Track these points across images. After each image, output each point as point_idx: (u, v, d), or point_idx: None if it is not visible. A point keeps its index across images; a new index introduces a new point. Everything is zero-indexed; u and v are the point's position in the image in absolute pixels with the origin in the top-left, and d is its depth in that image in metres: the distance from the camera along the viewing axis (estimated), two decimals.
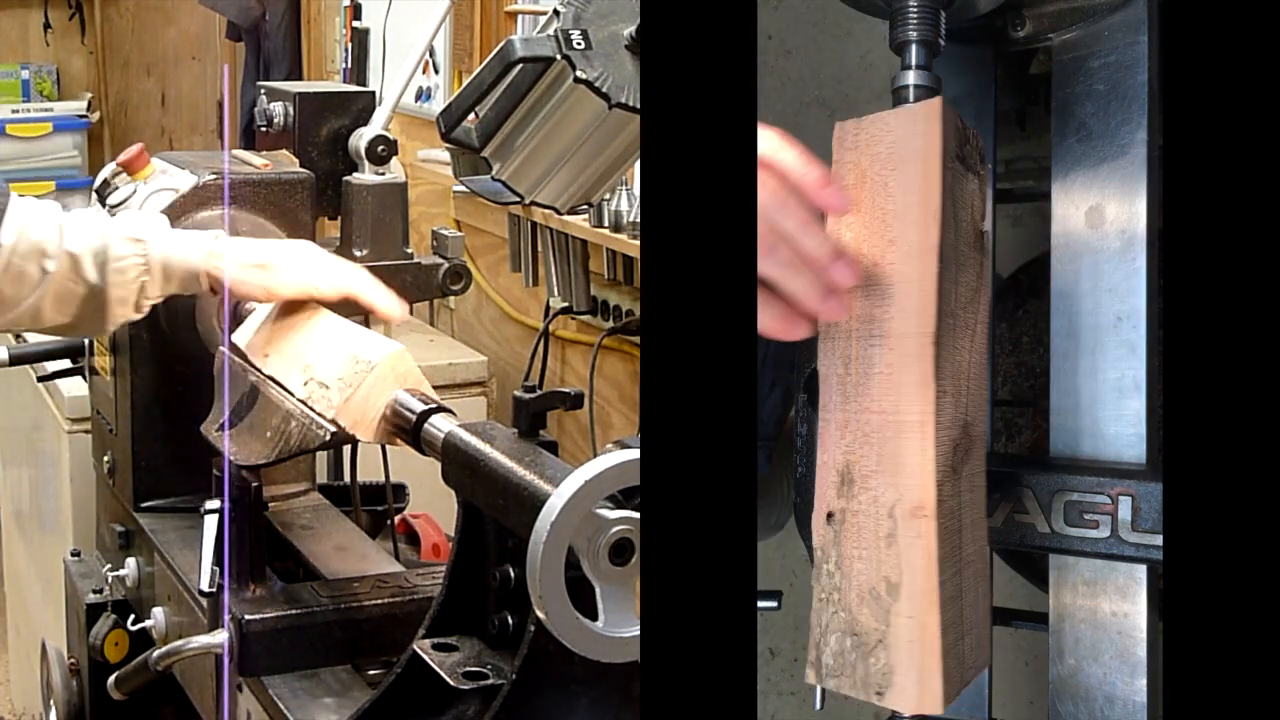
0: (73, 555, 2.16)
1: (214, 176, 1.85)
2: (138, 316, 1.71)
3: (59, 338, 2.15)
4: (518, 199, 1.56)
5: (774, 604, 1.53)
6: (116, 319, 1.69)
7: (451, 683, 1.33)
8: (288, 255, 1.68)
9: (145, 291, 1.67)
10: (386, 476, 1.97)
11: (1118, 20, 1.33)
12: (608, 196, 2.40)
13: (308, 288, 1.64)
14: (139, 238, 1.66)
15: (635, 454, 1.18)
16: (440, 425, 1.44)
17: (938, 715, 1.18)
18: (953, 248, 1.16)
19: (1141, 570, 1.30)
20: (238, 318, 1.73)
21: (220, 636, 1.56)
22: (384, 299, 1.67)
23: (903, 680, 1.15)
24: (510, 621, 1.36)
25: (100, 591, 1.98)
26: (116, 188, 1.91)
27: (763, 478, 1.59)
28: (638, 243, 2.40)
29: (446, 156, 2.55)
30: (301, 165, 1.97)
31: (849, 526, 1.16)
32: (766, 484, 1.62)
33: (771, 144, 1.07)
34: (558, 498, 1.20)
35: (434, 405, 1.47)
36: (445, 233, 2.05)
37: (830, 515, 1.17)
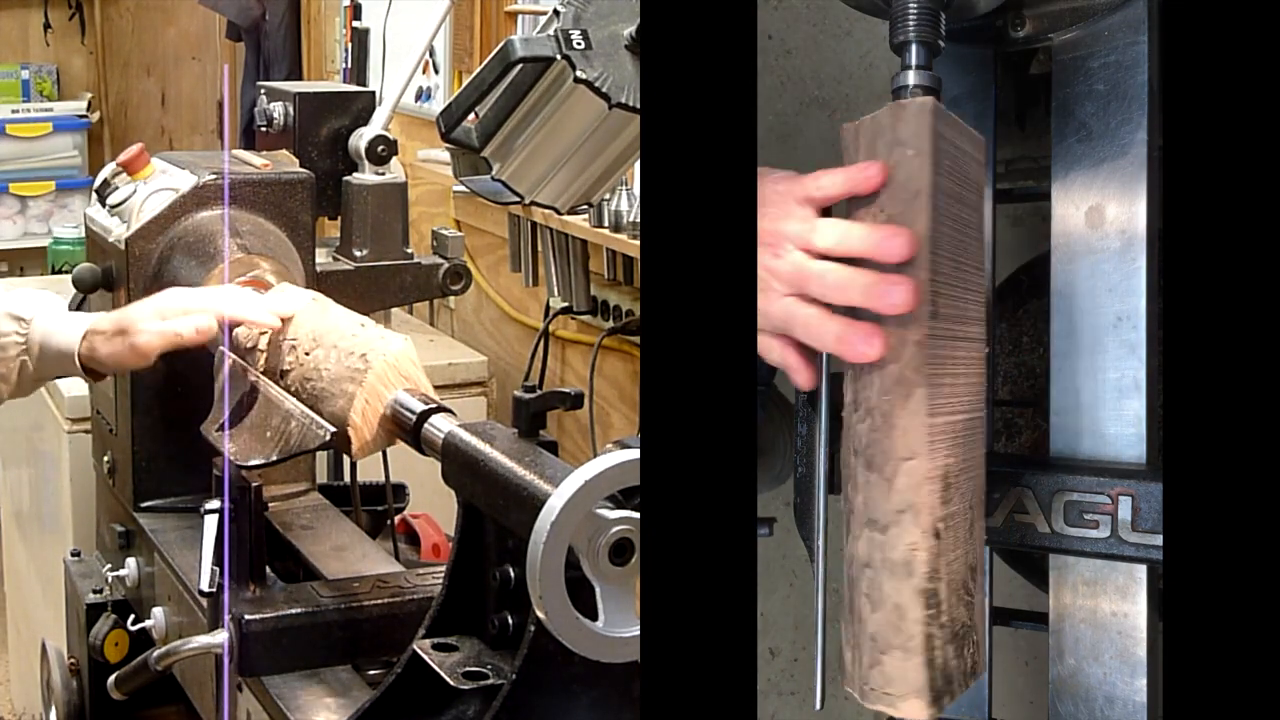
0: (73, 555, 2.16)
1: (214, 176, 1.85)
2: (21, 395, 1.71)
3: None
4: (518, 199, 1.55)
5: (765, 530, 1.54)
6: (0, 395, 1.68)
7: (451, 683, 1.33)
8: (145, 311, 1.66)
9: (25, 371, 1.67)
10: (386, 476, 1.97)
11: (1118, 20, 1.33)
12: (608, 196, 2.40)
13: (170, 338, 1.64)
14: (23, 316, 1.66)
15: (635, 454, 1.18)
16: (440, 425, 1.44)
17: (938, 716, 1.18)
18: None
19: (1141, 570, 1.30)
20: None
21: (220, 636, 1.55)
22: (256, 312, 1.65)
23: (983, 649, 1.23)
24: (510, 621, 1.36)
25: (100, 591, 1.98)
26: (116, 188, 1.91)
27: (760, 430, 1.58)
28: (638, 243, 2.40)
29: (446, 156, 2.55)
30: (301, 165, 1.97)
31: (948, 532, 1.17)
32: (766, 436, 1.61)
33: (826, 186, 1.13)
34: (558, 498, 1.20)
35: (434, 405, 1.47)
36: (445, 233, 2.05)
37: (938, 531, 1.15)
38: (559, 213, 1.64)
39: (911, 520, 1.13)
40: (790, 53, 2.22)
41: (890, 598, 1.14)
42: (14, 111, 5.34)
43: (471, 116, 1.49)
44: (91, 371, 1.69)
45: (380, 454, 1.86)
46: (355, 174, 2.01)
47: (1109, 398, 1.32)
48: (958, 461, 1.17)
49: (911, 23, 1.22)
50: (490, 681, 1.33)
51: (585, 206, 2.28)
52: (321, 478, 2.09)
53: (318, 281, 1.94)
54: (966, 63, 1.43)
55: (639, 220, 2.38)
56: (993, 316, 1.34)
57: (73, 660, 2.03)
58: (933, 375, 1.13)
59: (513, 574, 1.35)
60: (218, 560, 1.56)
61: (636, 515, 1.21)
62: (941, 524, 1.14)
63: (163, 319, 1.65)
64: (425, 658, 1.37)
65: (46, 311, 1.68)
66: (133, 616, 1.93)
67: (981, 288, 1.23)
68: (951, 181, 1.16)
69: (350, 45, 3.62)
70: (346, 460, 1.99)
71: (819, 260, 1.11)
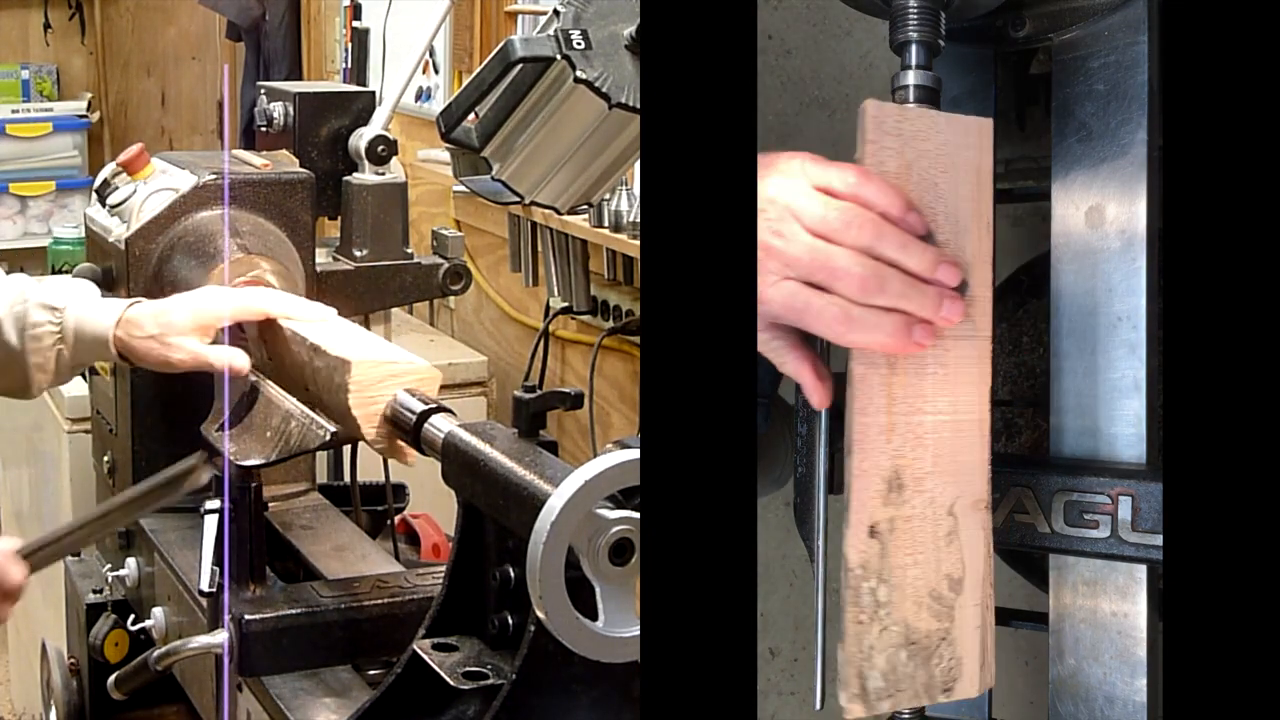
0: (73, 555, 2.16)
1: (214, 176, 1.85)
2: (60, 384, 1.72)
3: None
4: (518, 199, 1.56)
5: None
6: (39, 385, 1.69)
7: (451, 683, 1.33)
8: (184, 318, 1.64)
9: (62, 359, 1.66)
10: (386, 476, 1.97)
11: (1118, 20, 1.33)
12: (608, 196, 2.40)
13: (203, 363, 1.63)
14: (55, 305, 1.66)
15: (635, 454, 1.18)
16: (440, 425, 1.44)
17: (938, 716, 1.18)
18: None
19: (1141, 570, 1.30)
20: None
21: (220, 636, 1.55)
22: (301, 308, 1.67)
23: (970, 667, 1.20)
24: (510, 621, 1.36)
25: (100, 591, 1.98)
26: (116, 188, 1.91)
27: (762, 436, 1.59)
28: (638, 243, 2.40)
29: (446, 156, 2.55)
30: (301, 165, 1.97)
31: (900, 534, 1.16)
32: (767, 441, 1.61)
33: (847, 178, 1.10)
34: (558, 498, 1.20)
35: (434, 405, 1.47)
36: (445, 233, 2.06)
37: (873, 529, 1.15)
38: (559, 213, 1.64)
39: (846, 515, 1.14)
40: (790, 53, 2.22)
41: (841, 591, 1.15)
42: (14, 111, 5.34)
43: (471, 116, 1.49)
44: (125, 358, 1.69)
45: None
46: (355, 174, 2.01)
47: (1109, 398, 1.32)
48: (919, 463, 1.16)
49: (911, 23, 1.22)
50: (490, 681, 1.33)
51: (585, 206, 2.28)
52: (321, 478, 2.09)
53: (318, 281, 1.94)
54: (966, 63, 1.42)
55: (639, 220, 2.38)
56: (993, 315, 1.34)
57: (73, 660, 2.03)
58: (870, 374, 1.14)
59: (513, 574, 1.35)
60: (218, 560, 1.56)
61: (636, 515, 1.21)
62: (884, 525, 1.14)
63: (201, 330, 1.63)
64: (425, 658, 1.37)
65: (79, 299, 1.68)
66: (133, 616, 1.93)
67: (982, 281, 1.22)
68: (927, 179, 1.16)
69: (350, 45, 3.62)
70: (346, 460, 1.99)
71: (836, 247, 1.08)
